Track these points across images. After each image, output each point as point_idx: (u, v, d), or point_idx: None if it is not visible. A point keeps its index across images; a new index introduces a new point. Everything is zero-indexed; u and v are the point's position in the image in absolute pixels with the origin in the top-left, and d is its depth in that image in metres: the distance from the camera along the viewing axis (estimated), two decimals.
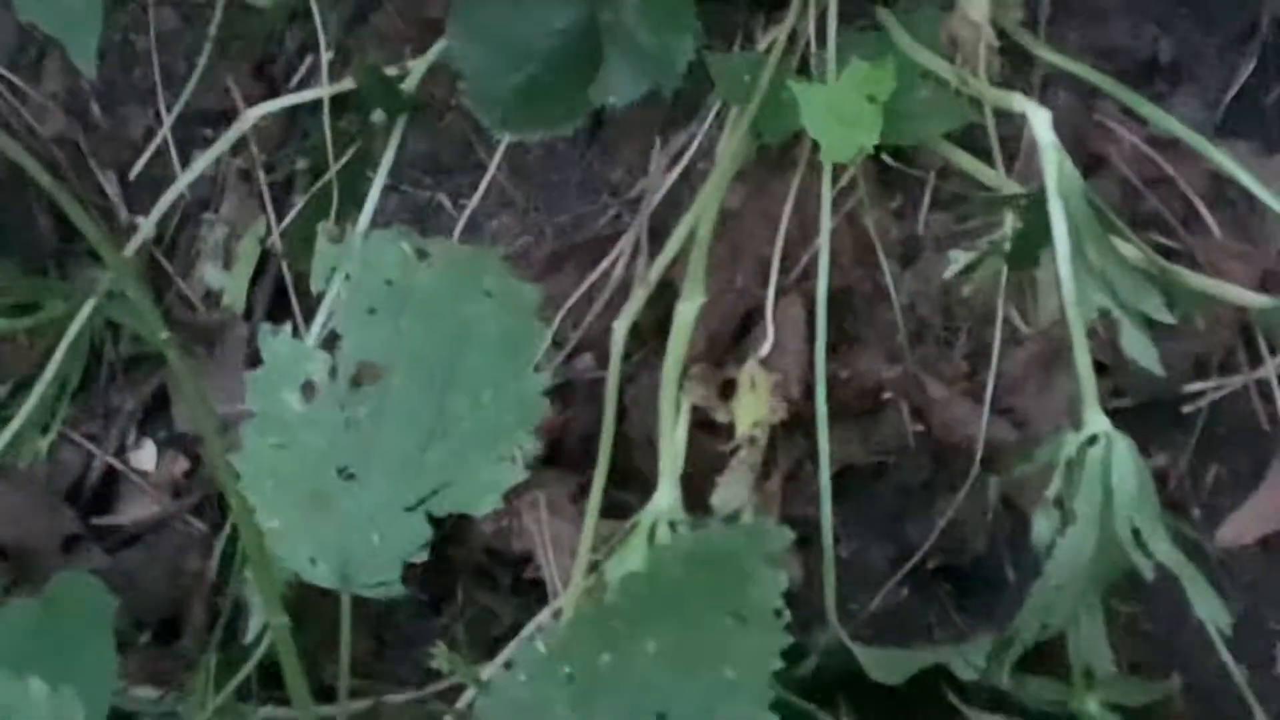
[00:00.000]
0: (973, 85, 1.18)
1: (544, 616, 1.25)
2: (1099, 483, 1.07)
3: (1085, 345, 1.08)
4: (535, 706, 0.87)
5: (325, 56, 1.28)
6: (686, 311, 1.17)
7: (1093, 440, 1.08)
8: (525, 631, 1.23)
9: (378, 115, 1.28)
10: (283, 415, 0.99)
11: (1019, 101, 1.12)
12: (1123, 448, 1.08)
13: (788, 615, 0.91)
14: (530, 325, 1.01)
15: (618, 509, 1.21)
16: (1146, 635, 1.24)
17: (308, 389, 1.00)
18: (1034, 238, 1.12)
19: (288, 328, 1.00)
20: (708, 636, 0.88)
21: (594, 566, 1.12)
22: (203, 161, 1.33)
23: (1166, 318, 1.10)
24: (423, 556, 0.99)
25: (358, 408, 0.99)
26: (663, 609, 0.89)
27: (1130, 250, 1.13)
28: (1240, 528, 1.27)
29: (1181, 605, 1.10)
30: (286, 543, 0.99)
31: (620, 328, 1.14)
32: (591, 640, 0.88)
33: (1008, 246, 1.17)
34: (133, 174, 1.40)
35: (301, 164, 1.33)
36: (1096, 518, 1.07)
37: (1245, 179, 1.16)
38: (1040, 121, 1.09)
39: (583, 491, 1.26)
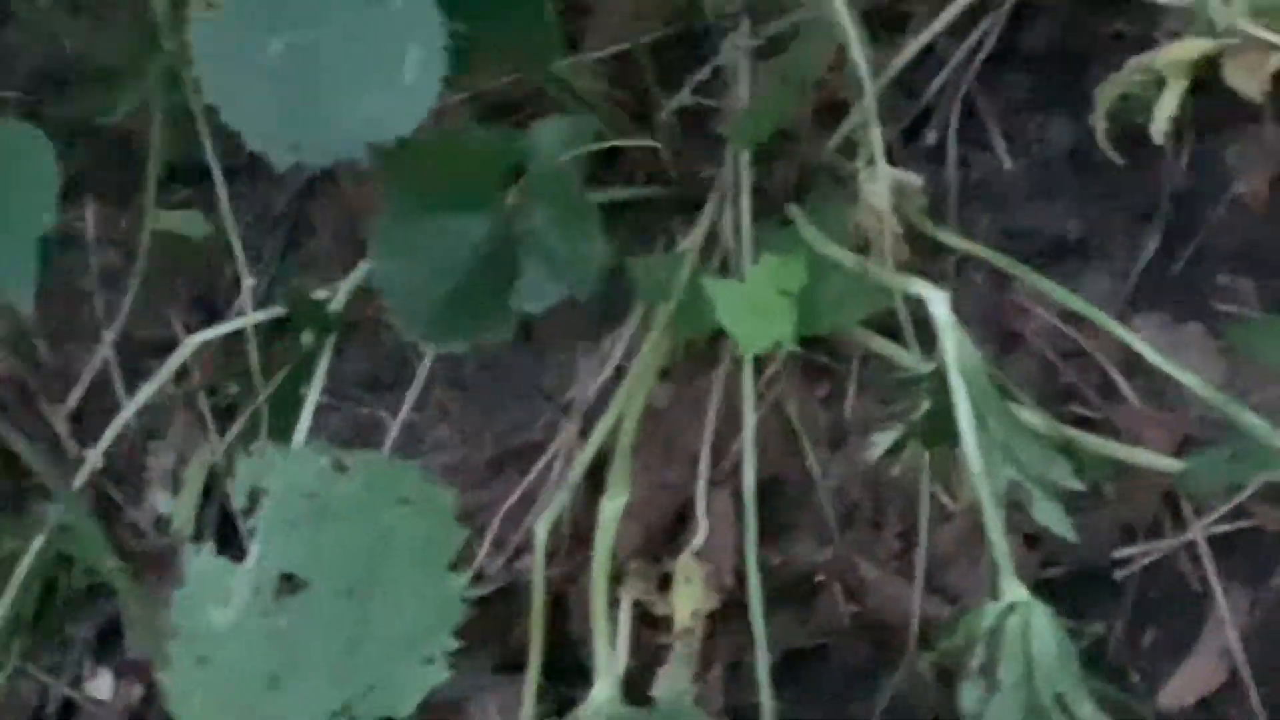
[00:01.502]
0: (880, 273, 1.21)
1: None
2: (1020, 651, 1.09)
3: (997, 517, 1.10)
4: None
5: (247, 283, 1.31)
6: (611, 509, 1.19)
7: (1011, 609, 1.10)
8: None
9: (307, 337, 1.31)
10: (208, 630, 1.01)
11: (917, 285, 1.15)
12: (1041, 615, 1.09)
13: None
14: (448, 530, 1.03)
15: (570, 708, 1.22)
16: None
17: (231, 604, 1.02)
18: (942, 415, 1.14)
19: (210, 545, 1.03)
20: None
21: None
22: (146, 391, 1.36)
23: (1075, 485, 1.12)
24: None
25: (280, 619, 1.02)
26: None
27: (1039, 421, 1.16)
28: (1179, 690, 1.27)
29: None
30: None
31: (541, 529, 1.16)
32: None
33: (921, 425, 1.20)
34: (80, 408, 1.43)
35: (240, 389, 1.36)
36: (1020, 685, 1.09)
37: (1151, 356, 1.19)
38: (937, 302, 1.12)
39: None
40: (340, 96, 1.00)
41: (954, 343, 1.11)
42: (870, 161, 1.22)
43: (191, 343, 1.36)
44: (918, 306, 1.28)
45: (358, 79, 0.99)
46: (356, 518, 1.02)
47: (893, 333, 1.30)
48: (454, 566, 1.02)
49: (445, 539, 1.02)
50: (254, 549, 1.03)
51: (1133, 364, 1.29)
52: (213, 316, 1.43)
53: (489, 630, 1.30)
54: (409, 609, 1.01)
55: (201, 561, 1.02)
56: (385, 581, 1.01)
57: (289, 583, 1.02)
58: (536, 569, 1.14)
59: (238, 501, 1.07)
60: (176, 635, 1.03)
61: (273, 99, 0.99)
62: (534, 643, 1.13)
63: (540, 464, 1.33)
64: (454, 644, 1.00)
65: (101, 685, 1.39)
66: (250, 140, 1.00)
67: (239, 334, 1.39)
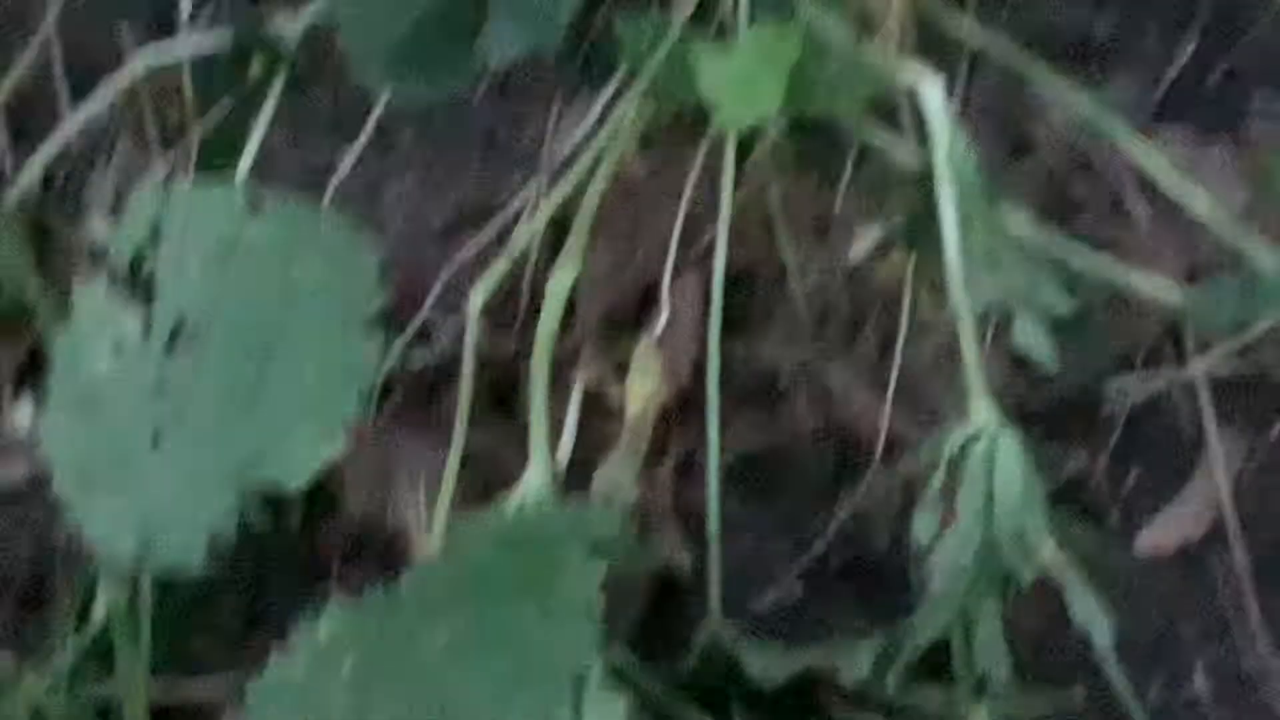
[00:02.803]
0: (878, 56, 1.11)
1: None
2: (982, 480, 1.00)
3: (973, 331, 1.01)
4: (311, 697, 0.80)
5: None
6: (560, 281, 1.11)
7: (977, 434, 1.01)
8: None
9: (255, 68, 1.22)
10: (90, 373, 0.92)
11: (912, 71, 1.05)
12: (1009, 444, 1.01)
13: (598, 610, 0.84)
14: (368, 288, 0.94)
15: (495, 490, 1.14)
16: (1056, 647, 1.17)
17: (118, 348, 0.93)
18: (928, 216, 1.05)
19: (101, 280, 0.94)
20: (508, 629, 0.81)
21: None
22: (90, 106, 1.27)
23: (1063, 308, 1.03)
24: (229, 533, 0.92)
25: (170, 369, 0.93)
26: (462, 597, 0.82)
27: (1036, 235, 1.06)
28: (1160, 535, 1.20)
29: None
30: (87, 513, 0.92)
31: (477, 296, 1.07)
32: (378, 628, 0.81)
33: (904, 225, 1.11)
34: (19, 123, 1.34)
35: (189, 118, 1.27)
36: (978, 518, 1.00)
37: (1166, 175, 1.09)
38: (929, 89, 1.02)
39: (464, 466, 1.20)
40: None
41: (945, 135, 1.01)
42: None
43: (141, 61, 1.26)
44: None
45: None
46: (266, 265, 0.93)
47: (891, 125, 1.20)
48: (369, 331, 0.92)
49: (361, 298, 0.93)
50: (148, 289, 0.94)
51: (1148, 184, 1.20)
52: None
53: (430, 403, 1.23)
54: (312, 372, 0.92)
55: (90, 296, 0.93)
56: (290, 339, 0.92)
57: (184, 331, 0.93)
58: (468, 345, 1.06)
59: (131, 236, 0.98)
60: (56, 374, 0.94)
61: None
62: (460, 415, 1.05)
63: (498, 227, 1.24)
64: (356, 415, 0.91)
65: (22, 415, 1.31)
66: None
67: (192, 65, 1.30)
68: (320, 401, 0.91)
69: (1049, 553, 1.01)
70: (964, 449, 1.02)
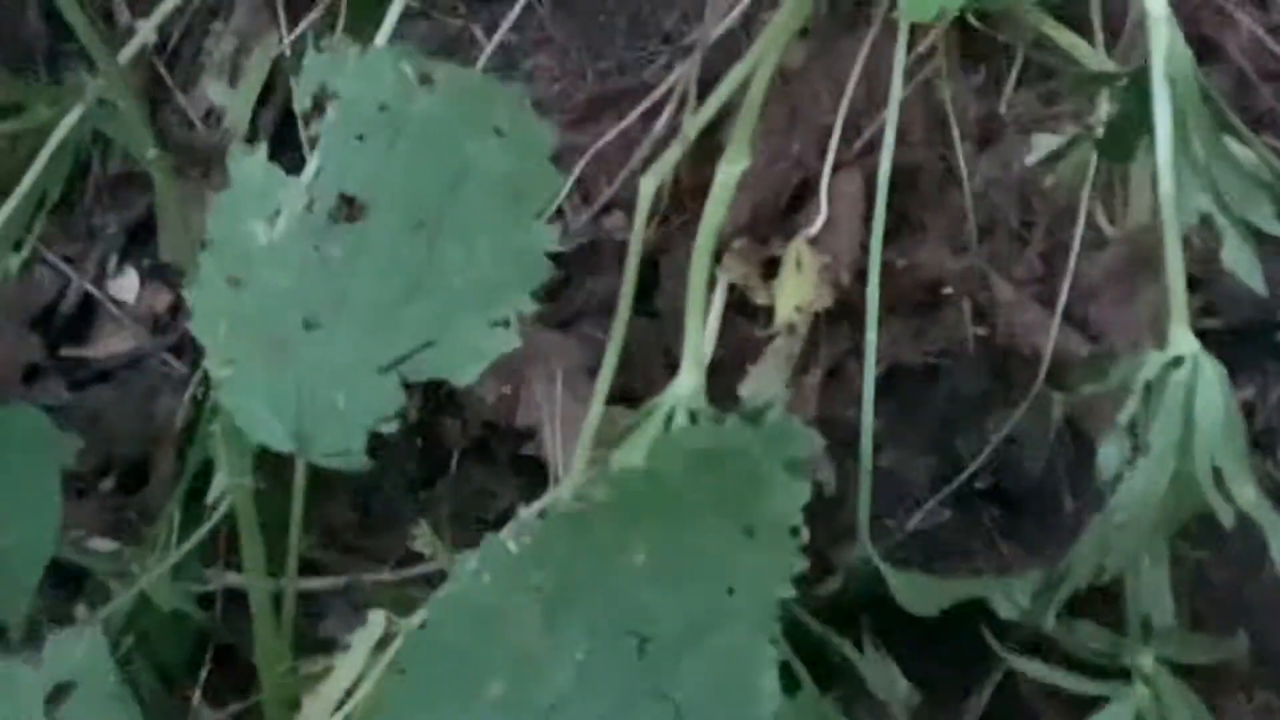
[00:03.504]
0: None
1: (545, 502, 1.12)
2: (1180, 412, 0.94)
3: (1180, 253, 0.94)
4: (498, 617, 0.74)
5: None
6: (728, 175, 1.04)
7: (1177, 363, 0.94)
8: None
9: None
10: (246, 247, 0.85)
11: None
12: (1211, 374, 0.94)
13: (805, 534, 0.77)
14: (542, 171, 0.87)
15: (639, 394, 1.08)
16: (1214, 585, 1.11)
17: (278, 220, 0.86)
18: (1132, 126, 0.98)
19: (262, 149, 0.87)
20: (707, 550, 0.75)
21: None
22: None
23: (1278, 231, 0.96)
24: (392, 427, 0.86)
25: (332, 246, 0.86)
26: (658, 514, 0.76)
27: (1243, 151, 0.99)
28: None
29: (1256, 555, 0.98)
30: (238, 395, 0.86)
31: (648, 184, 1.00)
32: (570, 544, 0.74)
33: (1100, 134, 1.03)
34: None
35: None
36: (1173, 451, 0.94)
37: None
38: None
39: (601, 364, 1.14)
40: None
41: (1165, 41, 0.94)
42: None
43: None
44: None
45: None
46: (436, 141, 0.86)
47: (1072, 22, 1.13)
48: (542, 216, 0.85)
49: (537, 182, 0.86)
50: (312, 161, 0.87)
51: None
52: None
53: (560, 287, 1.16)
54: (484, 258, 0.85)
55: (249, 166, 0.86)
56: (460, 221, 0.85)
57: (348, 206, 0.85)
58: (635, 233, 1.00)
59: (300, 103, 0.90)
60: (210, 246, 0.87)
61: None
62: (619, 318, 0.98)
63: (644, 108, 1.17)
64: (532, 306, 0.84)
65: (126, 286, 1.25)
66: None
67: None
68: (493, 290, 0.84)
69: (1249, 495, 0.93)
70: (1161, 376, 0.94)
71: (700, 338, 1.03)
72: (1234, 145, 0.99)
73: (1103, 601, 1.03)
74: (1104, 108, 1.09)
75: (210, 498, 1.10)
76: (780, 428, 0.78)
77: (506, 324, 0.86)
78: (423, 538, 1.04)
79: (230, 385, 0.86)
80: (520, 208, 0.86)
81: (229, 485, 0.95)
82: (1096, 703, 1.03)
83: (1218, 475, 0.94)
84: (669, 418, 1.01)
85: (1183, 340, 0.95)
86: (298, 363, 0.86)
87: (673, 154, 1.02)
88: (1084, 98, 1.10)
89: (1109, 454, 0.96)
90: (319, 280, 0.86)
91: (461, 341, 0.85)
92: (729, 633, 0.74)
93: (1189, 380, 0.94)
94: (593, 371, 1.15)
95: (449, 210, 0.86)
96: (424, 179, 0.86)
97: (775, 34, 1.09)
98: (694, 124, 1.03)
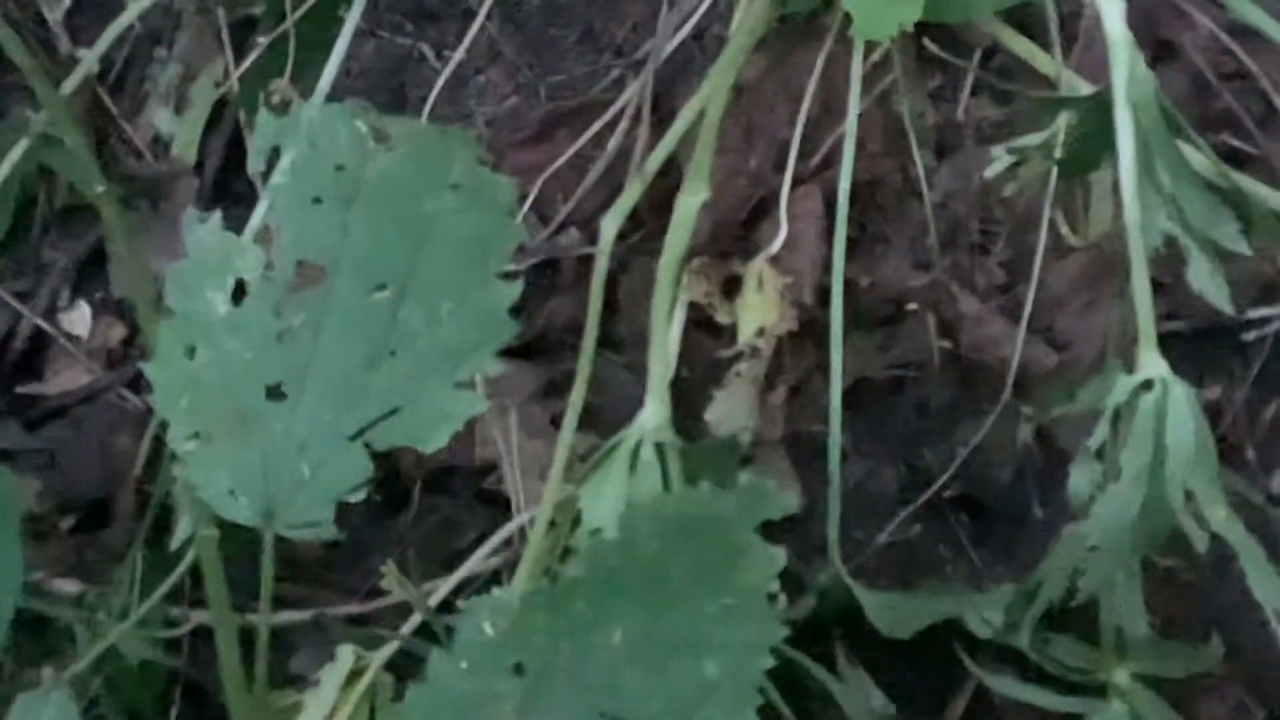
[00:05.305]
0: None
1: (509, 531, 1.11)
2: (1150, 437, 0.93)
3: (1146, 277, 0.94)
4: (476, 702, 0.73)
5: None
6: (688, 206, 1.02)
7: (1147, 385, 0.94)
8: (481, 551, 1.09)
9: None
10: (205, 318, 0.84)
11: None
12: (1180, 396, 0.94)
13: (782, 600, 0.76)
14: (502, 225, 0.86)
15: (595, 417, 1.07)
16: (1184, 588, 1.11)
17: (238, 289, 0.84)
18: (1094, 144, 0.97)
19: (217, 216, 0.85)
20: (685, 627, 0.74)
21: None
22: None
23: (1243, 248, 0.95)
24: (359, 496, 0.84)
25: (293, 314, 0.84)
26: (633, 590, 0.74)
27: (1200, 161, 0.98)
28: None
29: (1225, 557, 0.98)
30: (203, 471, 0.85)
31: (609, 227, 0.98)
32: (548, 625, 0.73)
33: (1060, 147, 1.02)
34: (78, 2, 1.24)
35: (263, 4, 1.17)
36: (1145, 476, 0.93)
37: None
38: (1111, 13, 0.93)
39: (556, 389, 1.13)
40: None
41: (1125, 64, 0.93)
42: None
43: None
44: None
45: None
46: (394, 202, 0.84)
47: (1025, 28, 1.12)
48: (505, 273, 0.84)
49: (498, 237, 0.84)
50: (269, 222, 0.85)
51: None
52: None
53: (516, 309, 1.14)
54: (447, 320, 0.83)
55: (204, 234, 0.84)
56: (423, 284, 0.84)
57: (306, 272, 0.84)
58: (598, 273, 0.97)
59: (254, 165, 0.89)
60: (168, 318, 0.85)
61: None
62: (583, 360, 0.97)
63: (598, 126, 1.15)
64: (497, 367, 0.83)
65: (78, 319, 1.23)
66: None
67: None
68: (458, 352, 0.83)
69: (1221, 517, 0.93)
70: (1129, 400, 0.94)
71: (664, 369, 1.02)
72: (1192, 157, 0.98)
73: (1075, 609, 1.03)
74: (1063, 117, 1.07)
75: (175, 543, 1.09)
76: (753, 490, 0.77)
77: (472, 385, 0.84)
78: (390, 575, 1.02)
79: (194, 460, 0.85)
80: (483, 266, 0.84)
81: (198, 536, 0.93)
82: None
83: (1190, 499, 0.94)
84: (635, 452, 1.00)
85: (1151, 363, 0.94)
86: (263, 434, 0.85)
87: (633, 191, 1.00)
88: (1039, 107, 1.09)
89: (1080, 478, 0.96)
90: (281, 349, 0.84)
91: (428, 407, 0.84)
92: (710, 710, 0.73)
93: (1158, 404, 0.93)
94: (546, 399, 1.14)
95: (410, 272, 0.85)
96: (384, 242, 0.85)
97: (730, 55, 1.08)
98: (655, 160, 1.01)
